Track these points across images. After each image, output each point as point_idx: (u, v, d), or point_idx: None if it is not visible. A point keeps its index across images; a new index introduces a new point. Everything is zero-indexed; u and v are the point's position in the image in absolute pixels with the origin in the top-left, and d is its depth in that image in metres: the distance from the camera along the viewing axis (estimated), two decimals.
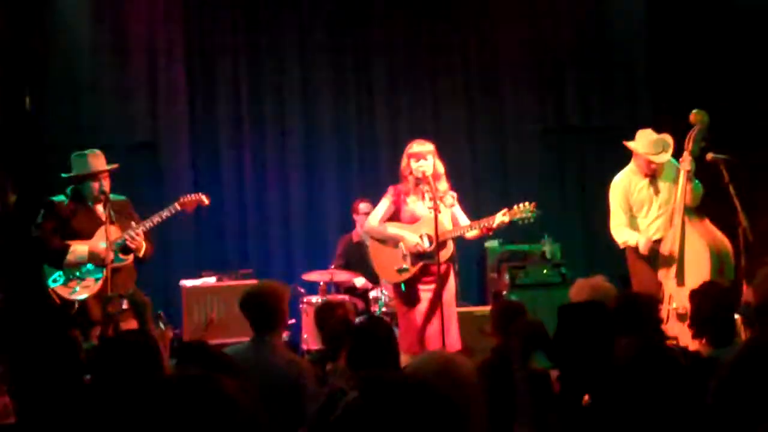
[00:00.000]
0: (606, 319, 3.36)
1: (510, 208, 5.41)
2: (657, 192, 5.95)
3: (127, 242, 5.52)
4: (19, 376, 3.18)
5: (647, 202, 5.97)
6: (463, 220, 5.64)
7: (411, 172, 5.56)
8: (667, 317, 5.59)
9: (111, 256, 5.40)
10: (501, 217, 5.37)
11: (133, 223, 5.60)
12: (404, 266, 5.52)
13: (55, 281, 5.55)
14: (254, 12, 8.29)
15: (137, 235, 5.56)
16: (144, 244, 5.62)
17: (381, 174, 7.74)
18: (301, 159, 8.30)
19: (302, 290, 7.29)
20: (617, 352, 3.01)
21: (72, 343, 3.39)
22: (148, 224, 5.62)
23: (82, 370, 3.25)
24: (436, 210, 5.29)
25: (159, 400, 1.97)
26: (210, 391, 2.00)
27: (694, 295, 4.29)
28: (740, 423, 2.73)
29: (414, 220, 5.60)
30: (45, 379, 2.87)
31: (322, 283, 7.30)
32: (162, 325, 6.26)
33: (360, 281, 7.31)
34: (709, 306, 4.08)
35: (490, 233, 5.58)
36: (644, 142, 5.86)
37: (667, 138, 5.88)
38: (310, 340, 6.81)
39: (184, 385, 2.01)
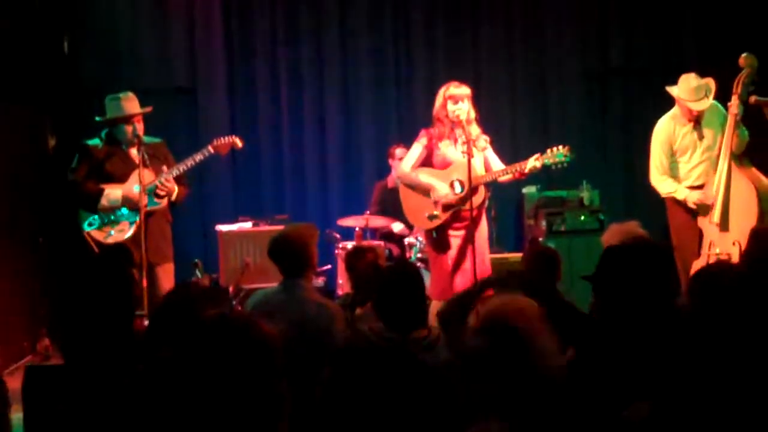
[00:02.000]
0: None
1: (543, 152, 5.32)
2: (701, 137, 5.83)
3: (158, 189, 5.55)
4: (67, 318, 3.20)
5: (691, 147, 5.85)
6: (496, 163, 5.56)
7: (447, 115, 5.49)
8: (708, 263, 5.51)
9: (145, 199, 5.42)
10: (533, 162, 5.30)
11: (164, 168, 5.62)
12: (435, 212, 5.47)
13: (91, 224, 5.60)
14: None
15: (167, 181, 5.58)
16: (176, 188, 5.64)
17: (418, 119, 7.62)
18: (339, 103, 8.22)
19: (338, 236, 7.29)
20: None
21: (127, 282, 3.42)
22: (181, 167, 5.64)
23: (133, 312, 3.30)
24: (470, 155, 5.22)
25: (199, 343, 2.06)
26: (244, 333, 2.06)
27: (752, 235, 4.21)
28: None
29: (446, 164, 5.54)
30: (97, 320, 2.88)
31: (357, 229, 7.29)
32: (198, 274, 6.28)
33: (398, 227, 7.28)
34: (761, 249, 4.00)
35: (524, 177, 5.49)
36: (685, 87, 5.72)
37: (710, 83, 5.73)
38: (346, 285, 6.80)
39: (221, 327, 2.09)
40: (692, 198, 5.71)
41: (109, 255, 5.45)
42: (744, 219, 5.41)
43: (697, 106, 5.69)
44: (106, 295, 2.94)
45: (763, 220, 5.44)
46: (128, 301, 3.10)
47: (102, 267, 3.74)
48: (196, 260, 6.35)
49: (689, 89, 5.70)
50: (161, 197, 5.62)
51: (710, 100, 5.71)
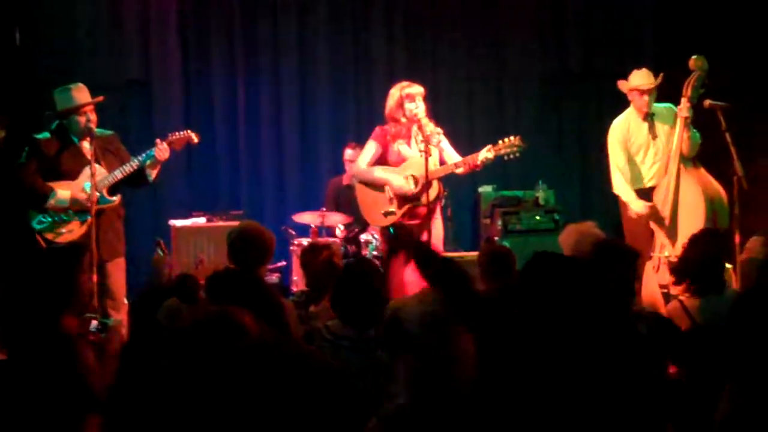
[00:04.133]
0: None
1: (495, 143, 5.35)
2: (655, 137, 5.91)
3: (156, 154, 5.46)
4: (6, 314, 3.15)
5: (644, 146, 5.94)
6: (452, 154, 5.57)
7: (404, 114, 5.49)
8: (658, 266, 5.56)
9: (96, 196, 5.31)
10: (486, 153, 5.32)
11: (157, 141, 5.52)
12: (390, 209, 5.47)
13: (41, 223, 5.44)
14: None
15: (164, 149, 5.49)
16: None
17: (376, 117, 7.59)
18: (295, 99, 8.16)
19: (293, 232, 7.24)
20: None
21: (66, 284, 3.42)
22: (135, 164, 5.53)
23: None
24: (427, 153, 5.23)
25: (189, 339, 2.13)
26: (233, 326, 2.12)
27: (689, 241, 4.24)
28: None
29: (401, 160, 5.55)
30: (32, 317, 2.84)
31: (313, 226, 7.25)
32: (160, 252, 6.17)
33: (348, 224, 7.21)
34: (698, 252, 4.04)
35: (478, 169, 5.50)
36: (633, 77, 5.87)
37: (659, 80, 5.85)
38: (300, 282, 6.76)
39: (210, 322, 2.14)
40: (635, 207, 5.75)
41: (54, 255, 5.33)
42: (692, 222, 5.45)
43: (642, 82, 5.81)
44: (44, 295, 2.93)
45: (713, 222, 5.48)
46: (62, 302, 3.09)
47: (44, 267, 3.69)
48: (158, 238, 6.23)
49: (635, 75, 5.86)
50: (116, 192, 5.51)
51: (656, 81, 5.82)
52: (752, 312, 2.47)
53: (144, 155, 5.51)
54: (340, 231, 7.16)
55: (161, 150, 5.49)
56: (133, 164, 5.49)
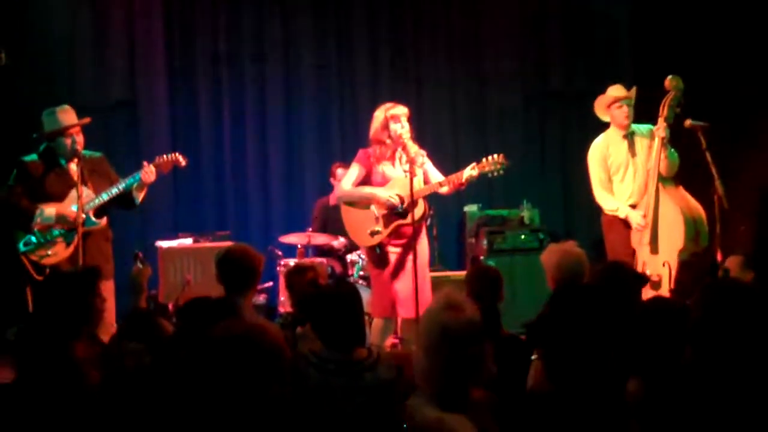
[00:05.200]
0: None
1: (479, 161, 5.40)
2: (634, 155, 5.96)
3: (143, 175, 5.46)
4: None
5: (624, 165, 5.98)
6: (435, 175, 5.59)
7: (389, 135, 5.52)
8: None
9: (83, 217, 5.32)
10: (470, 171, 5.36)
11: (145, 163, 5.53)
12: (377, 228, 5.49)
13: (27, 245, 5.42)
14: None
15: (150, 172, 5.50)
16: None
17: (361, 138, 7.65)
18: (281, 120, 8.23)
19: (280, 253, 7.26)
20: None
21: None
22: (121, 187, 5.54)
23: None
24: (412, 174, 5.27)
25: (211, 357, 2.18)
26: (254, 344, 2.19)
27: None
28: None
29: (385, 181, 5.57)
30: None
31: (299, 246, 7.28)
32: (140, 264, 6.09)
33: (338, 242, 7.27)
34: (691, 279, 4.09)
35: (463, 188, 5.54)
36: (610, 90, 5.98)
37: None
38: (287, 302, 6.78)
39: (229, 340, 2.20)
40: (635, 219, 5.77)
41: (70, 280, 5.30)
42: (671, 241, 5.51)
43: (618, 92, 5.89)
44: (58, 319, 2.98)
45: (694, 242, 5.53)
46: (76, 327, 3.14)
47: (60, 291, 3.70)
48: (137, 251, 6.18)
49: (615, 88, 5.97)
50: (103, 215, 5.52)
51: (632, 93, 5.90)
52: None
53: (130, 178, 5.52)
54: (338, 243, 7.19)
55: (147, 173, 5.50)
56: (119, 188, 5.50)
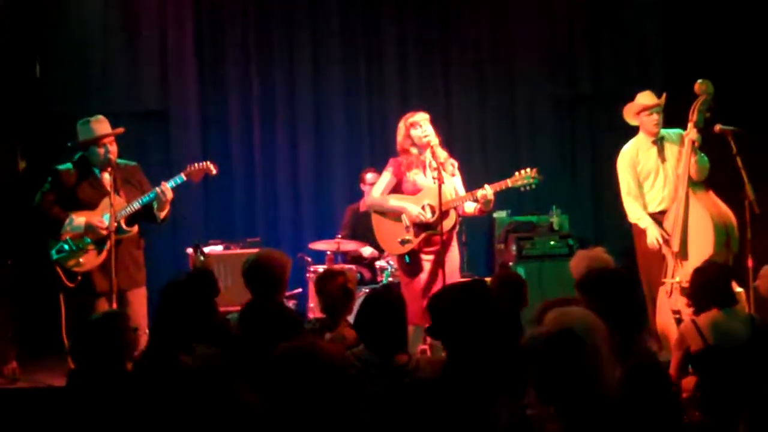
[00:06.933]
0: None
1: (511, 175, 5.40)
2: (664, 161, 5.93)
3: (158, 194, 5.46)
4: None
5: (654, 170, 5.96)
6: (461, 191, 5.62)
7: (413, 143, 5.57)
8: (671, 291, 5.57)
9: (114, 225, 5.37)
10: (500, 185, 5.37)
11: (162, 183, 5.53)
12: (407, 237, 5.52)
13: (60, 252, 5.51)
14: None
15: (166, 190, 5.49)
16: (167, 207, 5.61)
17: (390, 145, 7.68)
18: (311, 127, 8.27)
19: (309, 259, 7.31)
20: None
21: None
22: (137, 205, 5.53)
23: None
24: (440, 180, 5.28)
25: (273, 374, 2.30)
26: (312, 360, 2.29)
27: (694, 274, 4.29)
28: None
29: (416, 190, 5.60)
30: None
31: (329, 253, 7.32)
32: (201, 257, 6.04)
33: (367, 250, 7.33)
34: (706, 284, 4.09)
35: (484, 215, 5.60)
36: (639, 98, 5.95)
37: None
38: (317, 308, 6.82)
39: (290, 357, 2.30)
40: (652, 235, 5.76)
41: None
42: (701, 248, 5.46)
43: (649, 100, 5.87)
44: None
45: (722, 247, 5.48)
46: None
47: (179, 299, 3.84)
48: (197, 242, 6.04)
49: (644, 95, 5.95)
50: (134, 223, 5.59)
51: (662, 100, 5.87)
52: None
53: (146, 196, 5.53)
54: (368, 253, 7.23)
55: (163, 192, 5.50)
56: (140, 202, 5.52)
